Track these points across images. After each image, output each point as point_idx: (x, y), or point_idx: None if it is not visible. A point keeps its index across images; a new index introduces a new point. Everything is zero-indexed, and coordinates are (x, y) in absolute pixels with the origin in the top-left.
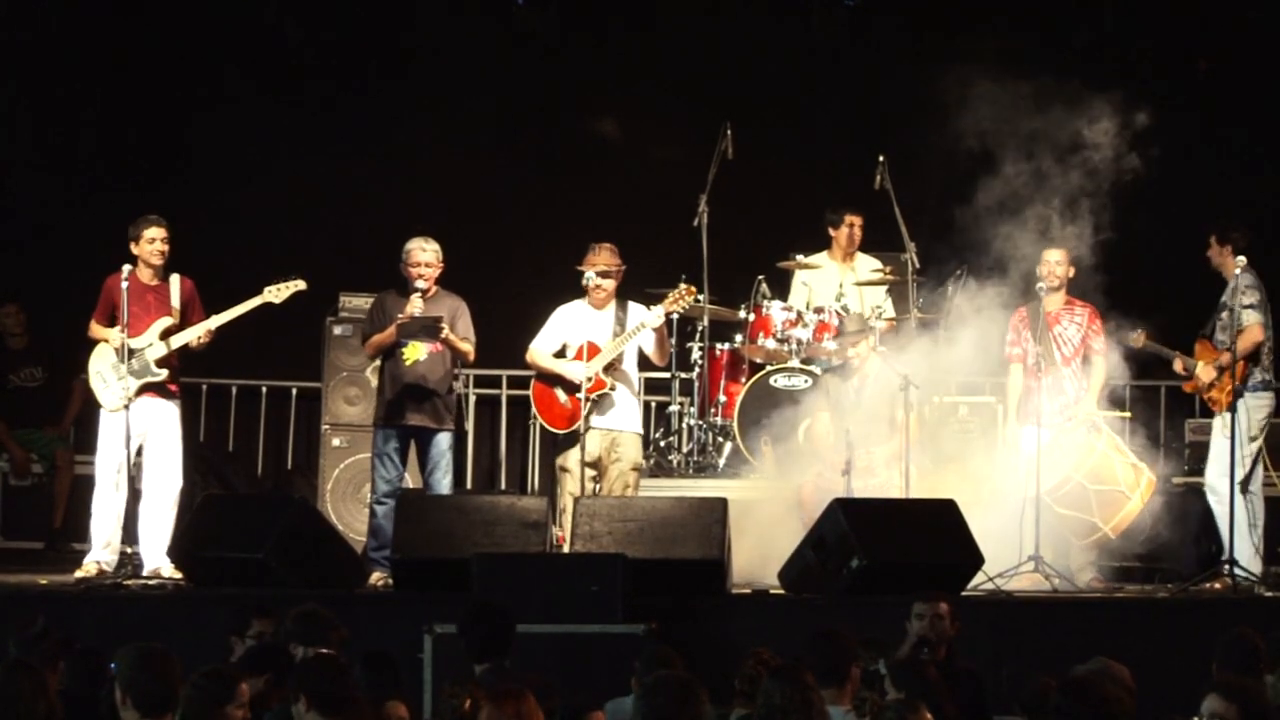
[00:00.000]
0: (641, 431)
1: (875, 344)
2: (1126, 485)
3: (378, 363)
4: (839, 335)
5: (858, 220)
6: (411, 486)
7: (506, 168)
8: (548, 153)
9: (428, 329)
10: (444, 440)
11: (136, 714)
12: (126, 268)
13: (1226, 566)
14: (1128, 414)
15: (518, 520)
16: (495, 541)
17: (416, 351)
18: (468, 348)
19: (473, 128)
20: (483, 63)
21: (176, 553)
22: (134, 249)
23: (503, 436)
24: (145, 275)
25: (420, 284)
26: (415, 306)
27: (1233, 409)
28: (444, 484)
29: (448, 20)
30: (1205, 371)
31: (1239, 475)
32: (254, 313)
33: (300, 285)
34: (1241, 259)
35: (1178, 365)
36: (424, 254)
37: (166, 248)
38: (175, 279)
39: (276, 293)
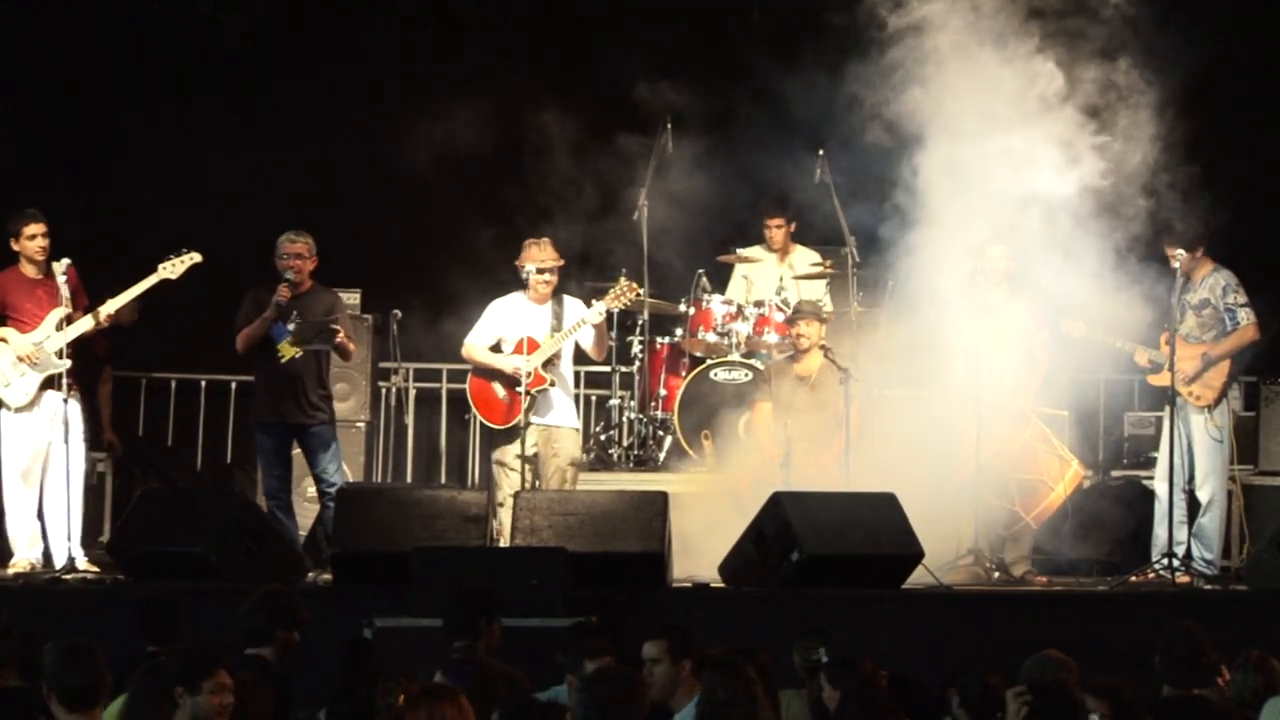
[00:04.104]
0: (578, 426)
1: (823, 332)
2: (1050, 476)
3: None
4: (793, 315)
5: (775, 222)
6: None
7: (443, 162)
8: (486, 146)
9: (323, 333)
10: (325, 432)
11: (63, 709)
12: (67, 260)
13: (1176, 561)
14: (1064, 412)
15: (458, 514)
16: (435, 535)
17: (292, 349)
18: (354, 346)
19: (408, 122)
20: (419, 53)
21: (114, 546)
22: (15, 246)
23: (442, 430)
24: (30, 270)
25: (290, 275)
26: (282, 295)
27: (1171, 408)
28: (338, 472)
29: (384, 10)
30: (1187, 367)
31: (1225, 468)
32: (194, 308)
33: (196, 258)
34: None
35: (1141, 357)
36: (294, 245)
37: (47, 242)
38: (59, 267)
39: (172, 268)
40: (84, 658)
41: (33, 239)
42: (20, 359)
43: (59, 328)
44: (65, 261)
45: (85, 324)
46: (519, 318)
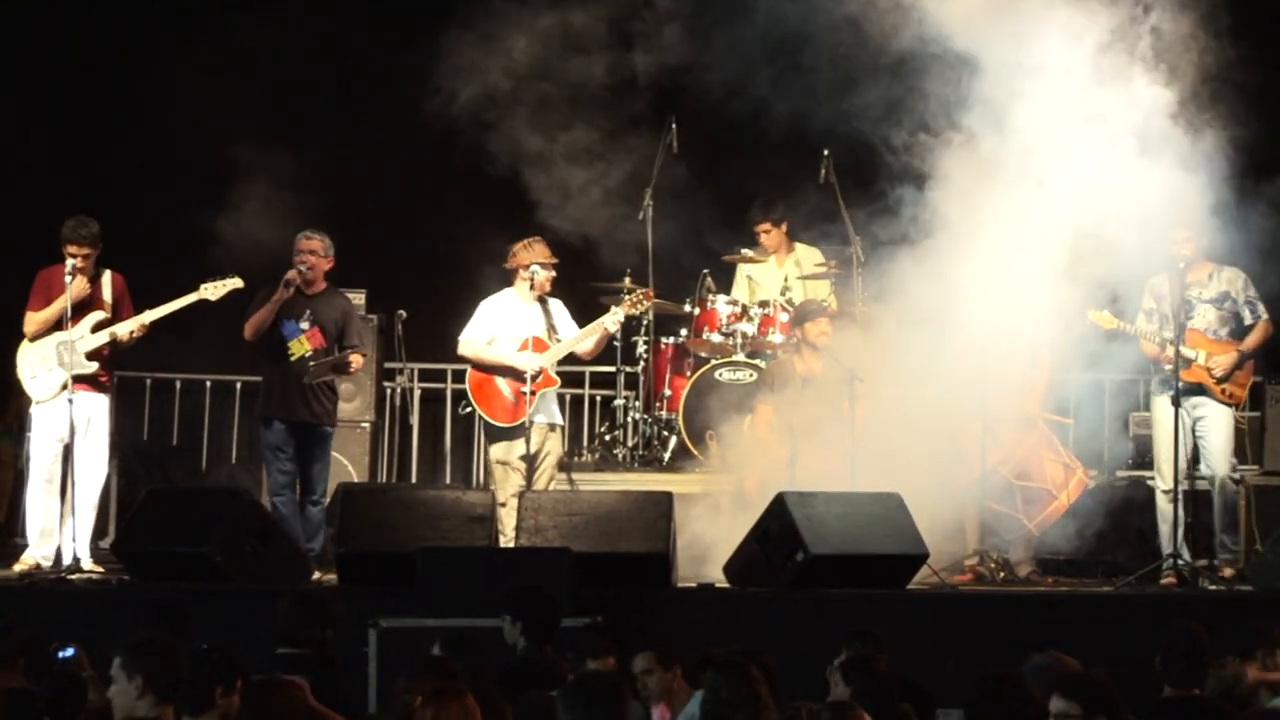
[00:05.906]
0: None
1: (829, 328)
2: (1054, 484)
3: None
4: (802, 317)
5: (763, 228)
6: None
7: (448, 159)
8: (488, 147)
9: (338, 367)
10: (327, 439)
11: (153, 699)
12: (70, 263)
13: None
14: (1069, 419)
15: (463, 514)
16: (441, 535)
17: (303, 347)
18: (362, 360)
19: (415, 126)
20: (425, 58)
21: (120, 547)
22: (64, 251)
23: (447, 431)
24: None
25: (301, 268)
26: (291, 276)
27: (1176, 408)
28: (324, 483)
29: (388, 9)
30: (1226, 361)
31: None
32: (198, 307)
33: (238, 283)
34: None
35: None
36: (309, 242)
37: (86, 263)
38: (107, 275)
39: (213, 290)
40: (173, 650)
41: (72, 257)
42: (48, 354)
43: (94, 330)
44: (110, 272)
45: (121, 328)
46: (513, 316)
